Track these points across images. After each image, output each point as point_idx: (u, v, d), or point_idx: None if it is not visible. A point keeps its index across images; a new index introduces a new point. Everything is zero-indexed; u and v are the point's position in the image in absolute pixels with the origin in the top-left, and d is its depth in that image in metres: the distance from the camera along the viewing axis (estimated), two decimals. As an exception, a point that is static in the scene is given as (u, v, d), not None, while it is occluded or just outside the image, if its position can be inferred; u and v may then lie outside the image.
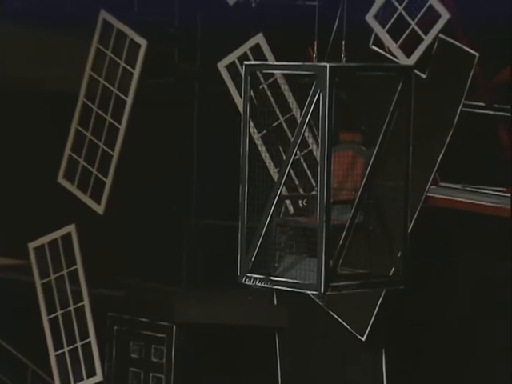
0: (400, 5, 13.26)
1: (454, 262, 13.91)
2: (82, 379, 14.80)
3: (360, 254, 10.27)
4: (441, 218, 13.69)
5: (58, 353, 14.88)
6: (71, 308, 14.81)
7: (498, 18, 13.22)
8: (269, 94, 12.76)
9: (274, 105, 12.83)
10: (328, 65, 9.58)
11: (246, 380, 15.07)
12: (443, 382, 14.08)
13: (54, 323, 14.96)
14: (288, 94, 12.78)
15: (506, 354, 13.73)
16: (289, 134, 12.42)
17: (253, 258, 10.09)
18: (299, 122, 10.29)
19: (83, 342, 14.76)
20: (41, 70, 15.43)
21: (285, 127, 13.29)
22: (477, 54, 12.97)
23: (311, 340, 14.92)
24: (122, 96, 14.44)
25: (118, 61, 14.50)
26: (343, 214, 10.27)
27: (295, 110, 12.68)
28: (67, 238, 14.83)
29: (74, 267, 14.80)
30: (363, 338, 14.06)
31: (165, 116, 14.95)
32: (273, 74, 12.76)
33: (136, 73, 14.36)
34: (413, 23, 13.04)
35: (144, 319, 15.11)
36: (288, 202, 11.19)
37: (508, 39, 13.14)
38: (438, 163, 13.42)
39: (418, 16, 13.07)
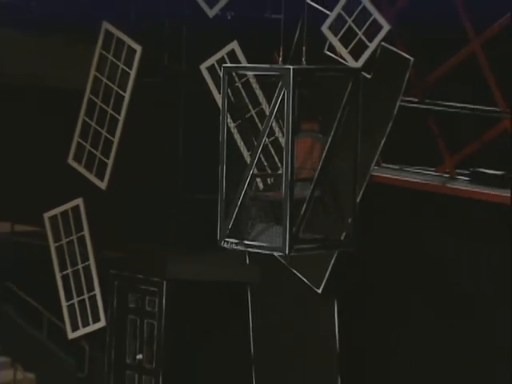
0: (349, 18, 13.25)
1: (394, 227, 13.90)
2: (89, 324, 14.81)
3: (317, 222, 10.60)
4: (382, 192, 13.64)
5: (68, 303, 14.84)
6: (79, 266, 14.80)
7: (431, 29, 13.33)
8: (242, 91, 13.18)
9: (247, 100, 12.86)
10: (291, 67, 9.58)
11: (224, 325, 15.05)
12: (389, 329, 14.08)
13: (65, 279, 14.91)
14: (258, 92, 12.79)
15: (441, 303, 13.60)
16: (259, 124, 12.37)
17: (230, 226, 10.02)
18: (267, 114, 10.15)
19: (89, 295, 14.74)
20: (55, 72, 15.30)
21: (256, 118, 13.28)
22: (412, 59, 13.00)
23: (277, 292, 14.96)
24: (121, 92, 14.35)
25: (118, 63, 14.39)
26: (304, 190, 10.31)
27: (264, 105, 12.64)
28: (76, 209, 14.76)
29: (81, 233, 14.81)
30: (319, 291, 14.10)
31: (156, 108, 14.88)
32: (245, 75, 13.25)
33: (133, 73, 14.24)
34: (360, 33, 13.01)
35: (140, 276, 15.20)
36: (258, 179, 11.14)
37: (437, 46, 13.17)
38: (380, 148, 13.44)
39: (364, 27, 13.05)
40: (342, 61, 13.30)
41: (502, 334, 13.45)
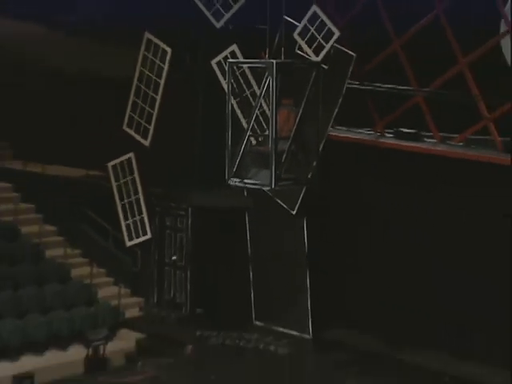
0: (312, 27, 13.19)
1: (344, 169, 13.92)
2: (140, 236, 14.98)
3: (293, 167, 10.55)
4: (336, 145, 13.51)
5: (126, 222, 14.98)
6: (132, 198, 14.89)
7: (368, 33, 13.31)
8: (240, 78, 13.20)
9: (244, 84, 13.36)
10: (274, 61, 9.79)
11: (229, 236, 15.17)
12: (342, 238, 14.31)
13: (123, 206, 14.96)
14: (251, 78, 13.30)
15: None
16: (252, 101, 13.44)
17: (234, 170, 10.30)
18: (258, 94, 10.58)
19: (140, 217, 14.87)
20: (115, 67, 15.16)
21: (250, 97, 13.48)
22: (354, 55, 13.25)
23: (265, 214, 15.15)
24: (158, 80, 14.36)
25: (155, 60, 14.49)
26: (283, 145, 10.44)
27: (255, 87, 13.02)
28: (129, 160, 14.89)
29: (133, 176, 14.97)
30: (294, 212, 14.17)
31: (181, 91, 14.74)
32: (242, 67, 13.10)
33: (166, 67, 14.31)
34: (319, 37, 13.06)
35: (173, 204, 15.31)
36: (252, 138, 11.50)
37: (372, 45, 13.62)
38: (334, 116, 13.41)
39: (322, 33, 13.06)
40: (308, 57, 13.23)
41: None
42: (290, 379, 13.49)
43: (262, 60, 12.44)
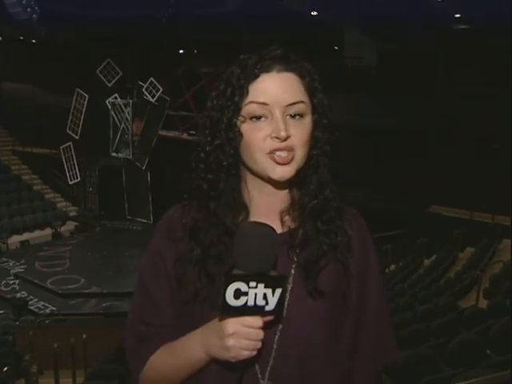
0: (151, 87, 15.48)
1: (162, 146, 15.78)
2: (75, 179, 16.27)
3: (141, 147, 14.40)
4: (161, 138, 16.01)
5: (70, 173, 16.62)
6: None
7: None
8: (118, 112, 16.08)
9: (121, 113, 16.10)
10: (131, 101, 13.80)
11: (115, 179, 16.96)
12: (169, 175, 14.79)
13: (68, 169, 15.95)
14: (129, 110, 15.76)
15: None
16: (126, 116, 16.04)
17: (114, 148, 14.12)
18: (126, 115, 14.62)
19: (75, 171, 16.34)
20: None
21: (127, 115, 16.46)
22: (168, 99, 15.44)
23: (131, 168, 16.40)
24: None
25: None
26: (136, 137, 14.95)
27: (127, 113, 16.02)
28: (69, 146, 16.18)
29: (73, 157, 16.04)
30: (143, 167, 15.95)
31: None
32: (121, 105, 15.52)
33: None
34: (153, 91, 15.77)
35: (90, 165, 16.80)
36: (123, 134, 15.56)
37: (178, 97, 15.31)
38: (160, 125, 15.97)
39: (155, 89, 15.56)
40: (148, 99, 15.73)
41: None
42: (142, 238, 13.39)
43: (132, 100, 15.99)
